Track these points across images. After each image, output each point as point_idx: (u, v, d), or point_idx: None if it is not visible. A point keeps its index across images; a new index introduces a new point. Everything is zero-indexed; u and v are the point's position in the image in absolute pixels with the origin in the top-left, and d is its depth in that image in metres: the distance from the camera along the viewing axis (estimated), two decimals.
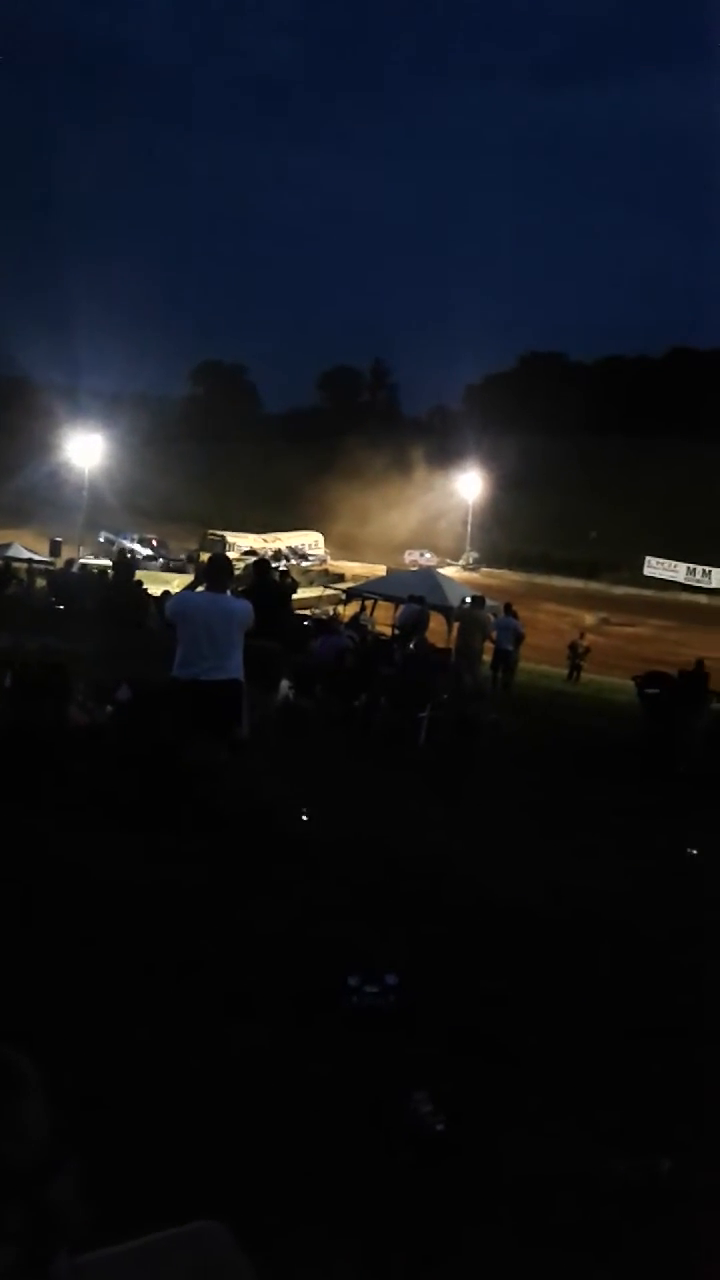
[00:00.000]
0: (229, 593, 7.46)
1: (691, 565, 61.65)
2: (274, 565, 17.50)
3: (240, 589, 10.13)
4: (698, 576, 61.14)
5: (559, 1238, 3.24)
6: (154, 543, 56.77)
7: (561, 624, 39.10)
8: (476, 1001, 4.79)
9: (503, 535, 65.60)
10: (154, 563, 49.16)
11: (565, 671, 29.38)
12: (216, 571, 7.34)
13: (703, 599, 58.14)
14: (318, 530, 56.74)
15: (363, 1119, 3.69)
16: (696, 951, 6.15)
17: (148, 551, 53.17)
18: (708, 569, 61.01)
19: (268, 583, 11.95)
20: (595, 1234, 3.29)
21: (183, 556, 52.48)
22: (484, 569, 59.98)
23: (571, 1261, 3.17)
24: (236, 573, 12.15)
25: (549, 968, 5.42)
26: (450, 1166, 3.49)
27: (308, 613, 25.38)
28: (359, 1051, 4.17)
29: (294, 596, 23.19)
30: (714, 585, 60.09)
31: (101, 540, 53.61)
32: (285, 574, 24.30)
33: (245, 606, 7.41)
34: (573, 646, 30.17)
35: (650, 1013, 5.01)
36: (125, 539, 53.99)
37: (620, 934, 6.23)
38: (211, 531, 53.23)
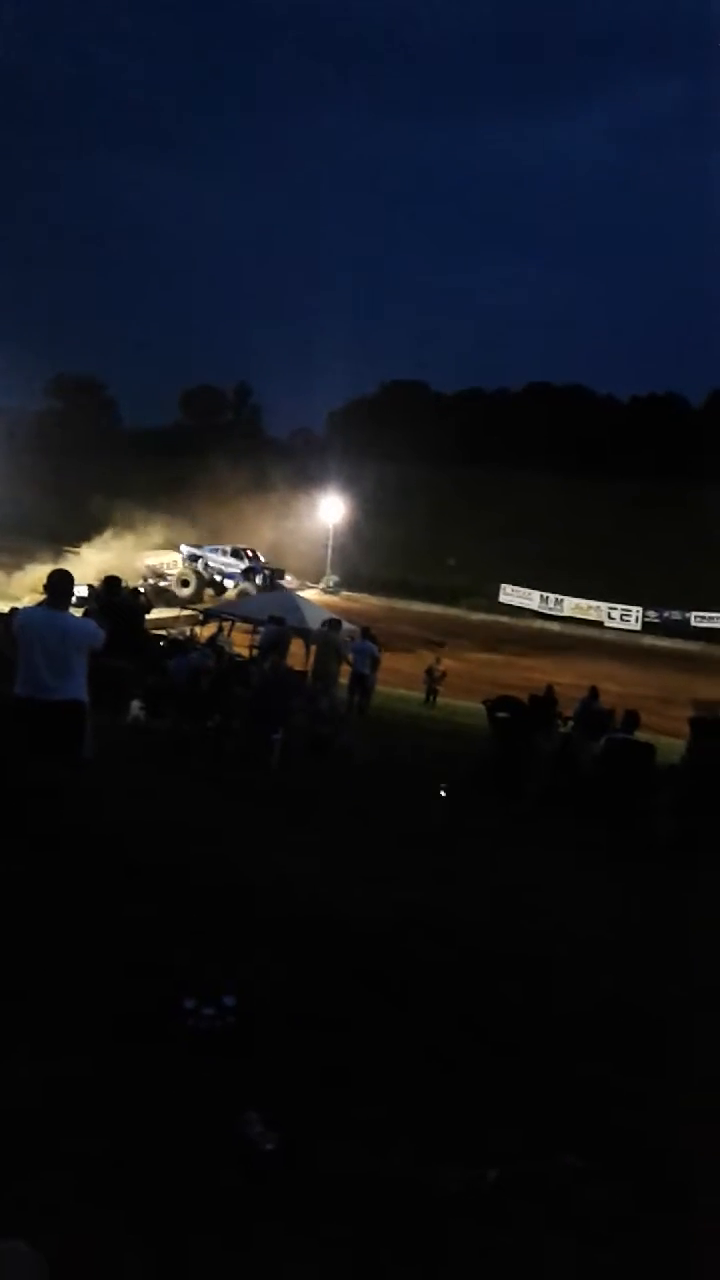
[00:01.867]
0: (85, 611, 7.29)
1: (545, 593, 63.54)
2: (142, 583, 17.24)
3: (86, 609, 9.92)
4: (550, 605, 63.04)
5: (390, 1249, 3.28)
6: (249, 554, 48.75)
7: (419, 649, 39.70)
8: (315, 1021, 4.81)
9: (364, 560, 66.28)
10: (246, 580, 43.17)
11: (422, 695, 29.80)
12: (54, 588, 7.07)
13: (555, 626, 59.98)
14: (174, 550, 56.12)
15: (197, 1141, 3.66)
16: (537, 972, 6.31)
17: (239, 565, 46.30)
18: (559, 598, 62.98)
19: (118, 602, 11.77)
20: (425, 1245, 3.35)
21: (278, 573, 46.58)
22: (344, 593, 60.42)
23: (402, 1275, 3.22)
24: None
25: (389, 987, 5.48)
26: (281, 1184, 3.50)
27: (163, 633, 25.06)
28: (196, 1075, 4.14)
29: (150, 616, 22.90)
30: (565, 614, 62.05)
31: (184, 554, 47.39)
32: (138, 593, 23.97)
33: (86, 626, 7.25)
34: (429, 671, 30.64)
35: (485, 1030, 5.12)
36: (212, 552, 47.53)
37: (462, 954, 6.35)
38: (69, 547, 51.94)
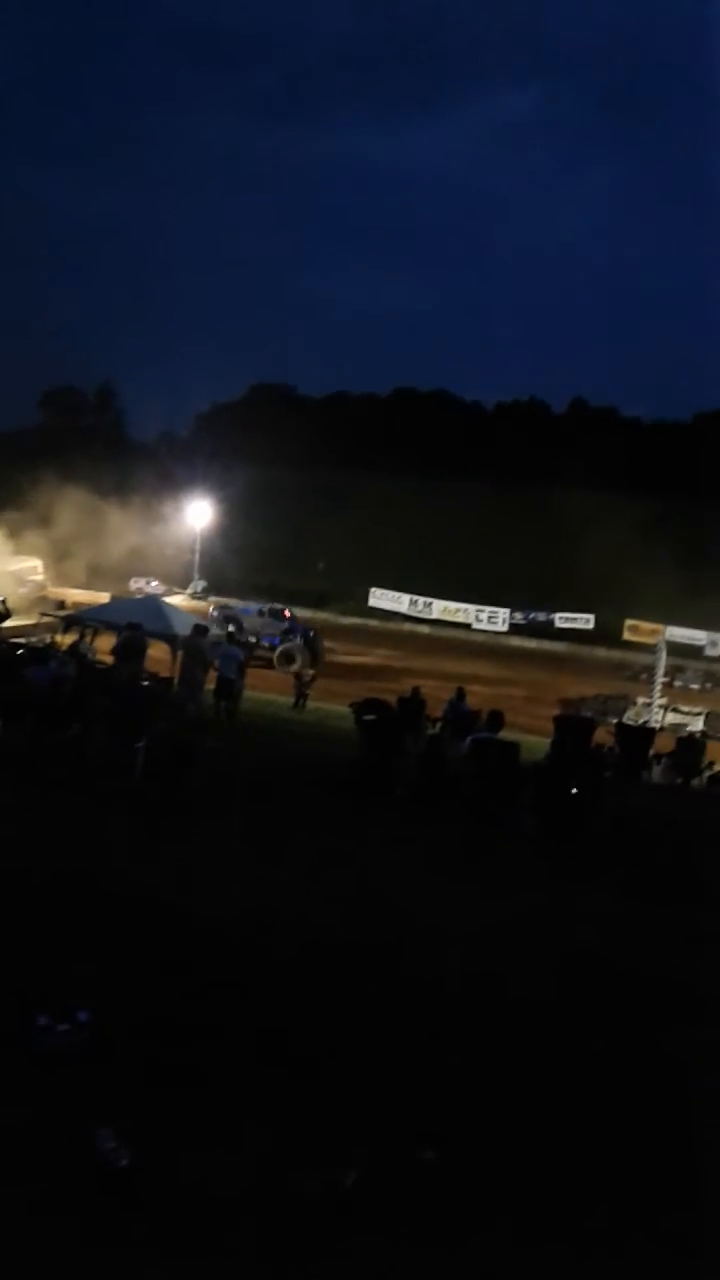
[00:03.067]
0: None
1: (414, 596, 64.35)
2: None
3: None
4: (419, 608, 63.89)
5: (246, 1251, 3.26)
6: (286, 614, 43.36)
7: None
8: (172, 1029, 4.73)
9: (232, 564, 65.91)
10: (286, 641, 37.91)
11: (291, 700, 29.76)
12: None
13: (424, 629, 60.80)
14: (36, 556, 54.61)
15: (51, 1159, 3.57)
16: (388, 965, 6.36)
17: (279, 626, 40.57)
18: (428, 600, 63.90)
19: None
20: (280, 1247, 3.33)
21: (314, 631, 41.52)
22: (213, 597, 59.91)
23: (257, 1274, 3.20)
24: None
25: (246, 992, 5.44)
26: (136, 1197, 3.44)
27: (22, 640, 24.34)
28: (50, 1092, 4.03)
29: (7, 624, 22.22)
30: (434, 616, 63.00)
31: (215, 614, 40.63)
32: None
33: None
34: (298, 675, 30.63)
35: (340, 1033, 5.13)
36: (246, 613, 41.98)
37: (320, 950, 6.35)
38: None
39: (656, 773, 21.46)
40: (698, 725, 31.10)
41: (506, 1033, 5.53)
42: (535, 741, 17.08)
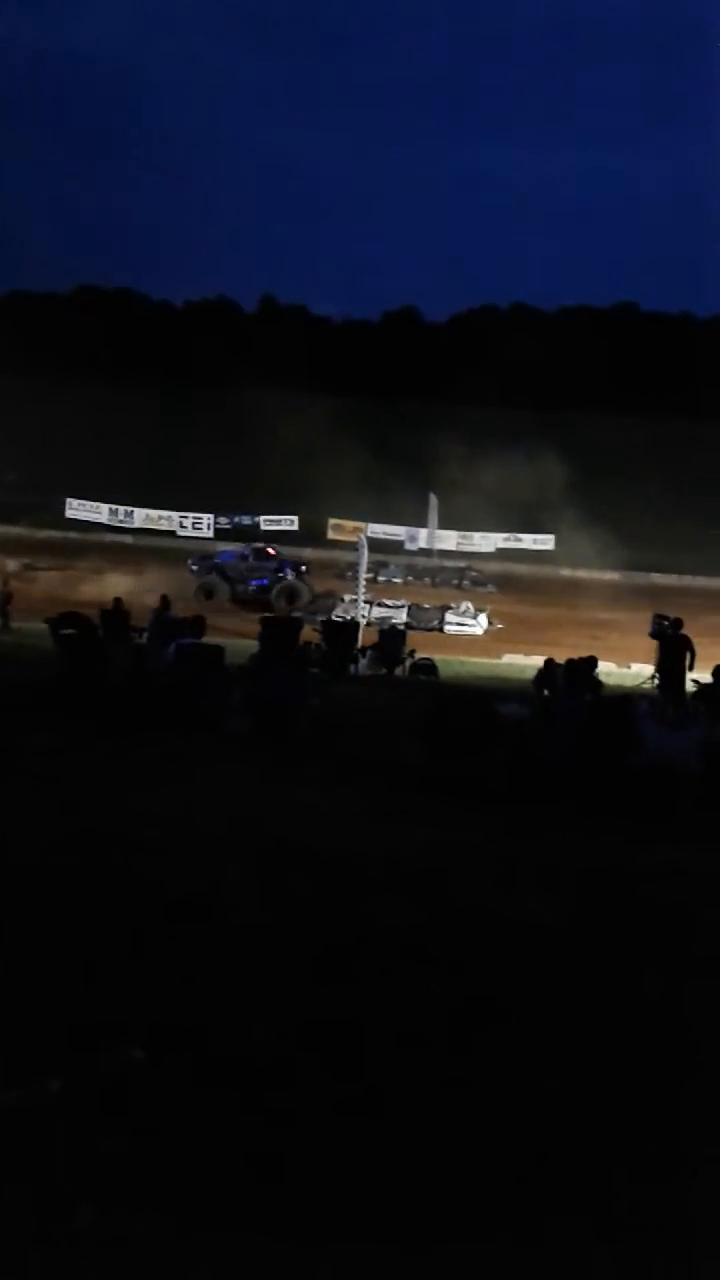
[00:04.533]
0: None
1: (114, 506, 62.49)
2: None
3: None
4: (120, 517, 62.18)
5: None
6: (270, 552, 39.48)
7: None
8: None
9: None
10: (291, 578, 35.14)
11: None
12: None
13: (127, 539, 59.30)
14: None
15: None
16: (96, 878, 6.36)
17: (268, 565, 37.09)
18: (130, 509, 62.26)
19: None
20: None
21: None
22: None
23: None
24: None
25: None
26: None
27: None
28: None
29: None
30: (136, 525, 61.53)
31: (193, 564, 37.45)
32: None
33: None
34: None
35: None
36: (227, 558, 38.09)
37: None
38: None
39: (362, 665, 22.36)
40: (401, 617, 32.55)
41: (205, 923, 5.70)
42: (246, 644, 17.27)
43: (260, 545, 41.63)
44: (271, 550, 40.51)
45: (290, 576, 37.13)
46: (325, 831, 8.18)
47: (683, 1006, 5.37)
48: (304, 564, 39.47)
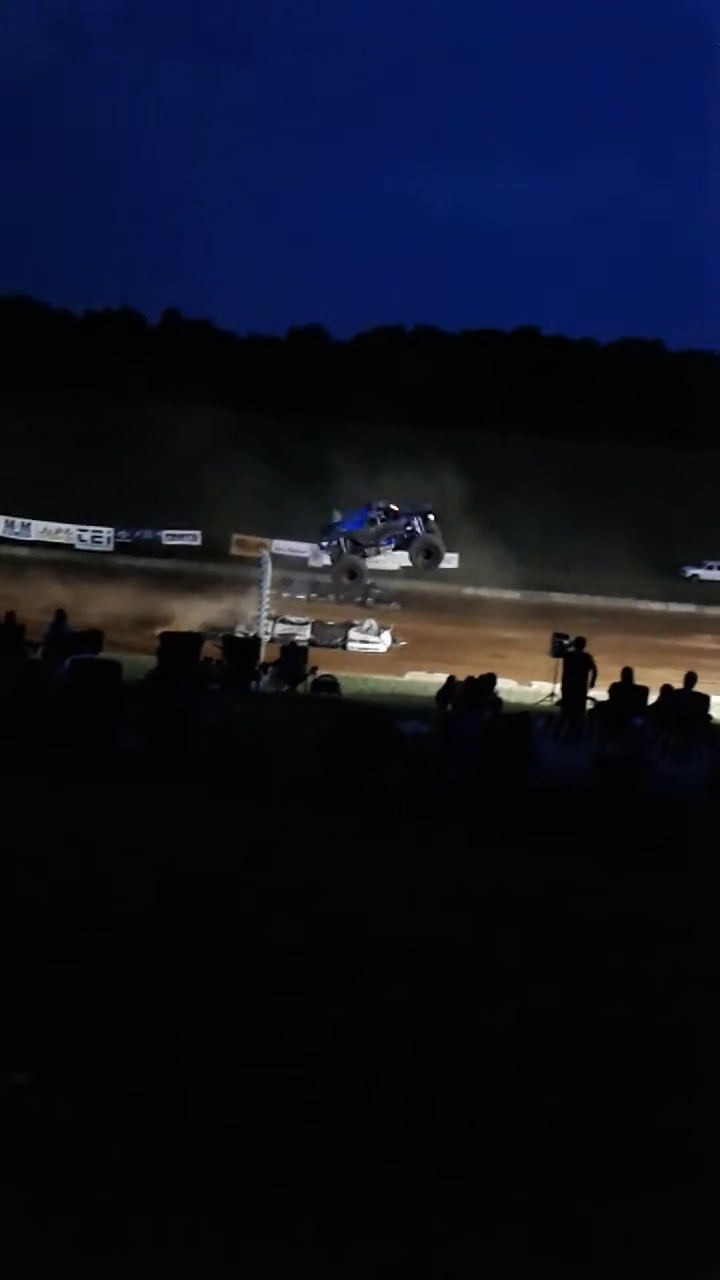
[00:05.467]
0: None
1: (9, 518, 61.16)
2: None
3: None
4: (15, 529, 60.87)
5: None
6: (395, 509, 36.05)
7: None
8: None
9: None
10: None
11: None
12: None
13: (22, 551, 58.04)
14: None
15: None
16: None
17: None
18: (26, 521, 61.02)
19: None
20: None
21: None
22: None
23: None
24: None
25: None
26: None
27: None
28: None
29: None
30: (33, 538, 60.31)
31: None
32: None
33: None
34: None
35: None
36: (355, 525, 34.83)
37: None
38: None
39: (264, 682, 22.22)
40: (304, 634, 32.40)
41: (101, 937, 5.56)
42: (146, 660, 17.00)
43: (385, 504, 38.23)
44: (394, 507, 37.76)
45: (420, 529, 34.99)
46: (216, 848, 8.05)
47: (576, 1019, 5.41)
48: (428, 509, 36.98)
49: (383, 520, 35.12)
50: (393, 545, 33.93)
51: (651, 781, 11.13)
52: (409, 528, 34.45)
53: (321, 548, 35.35)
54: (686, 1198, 3.79)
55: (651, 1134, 4.27)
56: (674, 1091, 4.72)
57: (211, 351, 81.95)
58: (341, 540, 34.31)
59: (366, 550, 33.74)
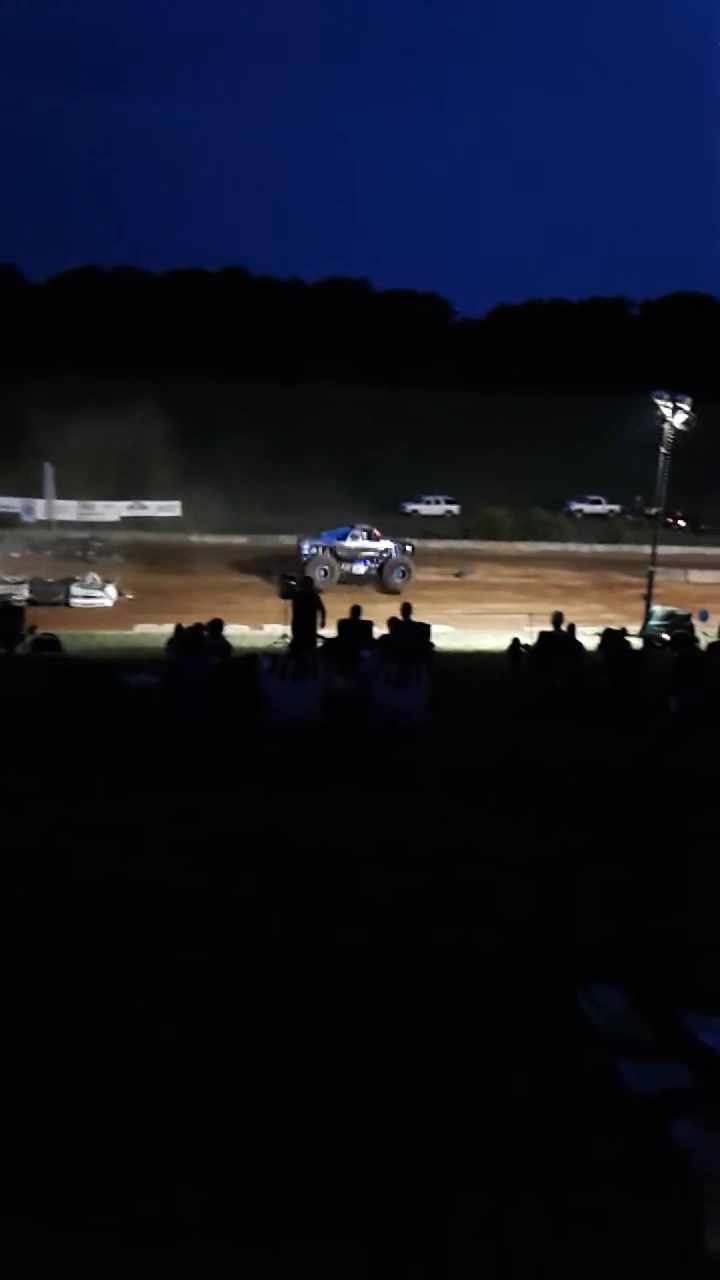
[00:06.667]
0: None
1: None
2: None
3: None
4: None
5: None
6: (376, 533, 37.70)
7: None
8: None
9: None
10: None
11: None
12: None
13: None
14: None
15: None
16: None
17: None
18: None
19: None
20: None
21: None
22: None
23: None
24: None
25: None
26: None
27: None
28: None
29: None
30: None
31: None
32: None
33: None
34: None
35: None
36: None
37: None
38: None
39: None
40: (22, 593, 30.85)
41: None
42: None
43: (363, 526, 38.79)
44: (376, 531, 38.82)
45: (395, 553, 36.68)
46: None
47: (317, 954, 5.50)
48: (408, 542, 38.59)
49: (364, 538, 37.56)
50: (366, 567, 36.35)
51: (376, 711, 11.50)
52: (385, 553, 37.01)
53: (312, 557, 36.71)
54: None
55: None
56: None
57: None
58: (322, 548, 36.67)
59: (344, 563, 36.13)
